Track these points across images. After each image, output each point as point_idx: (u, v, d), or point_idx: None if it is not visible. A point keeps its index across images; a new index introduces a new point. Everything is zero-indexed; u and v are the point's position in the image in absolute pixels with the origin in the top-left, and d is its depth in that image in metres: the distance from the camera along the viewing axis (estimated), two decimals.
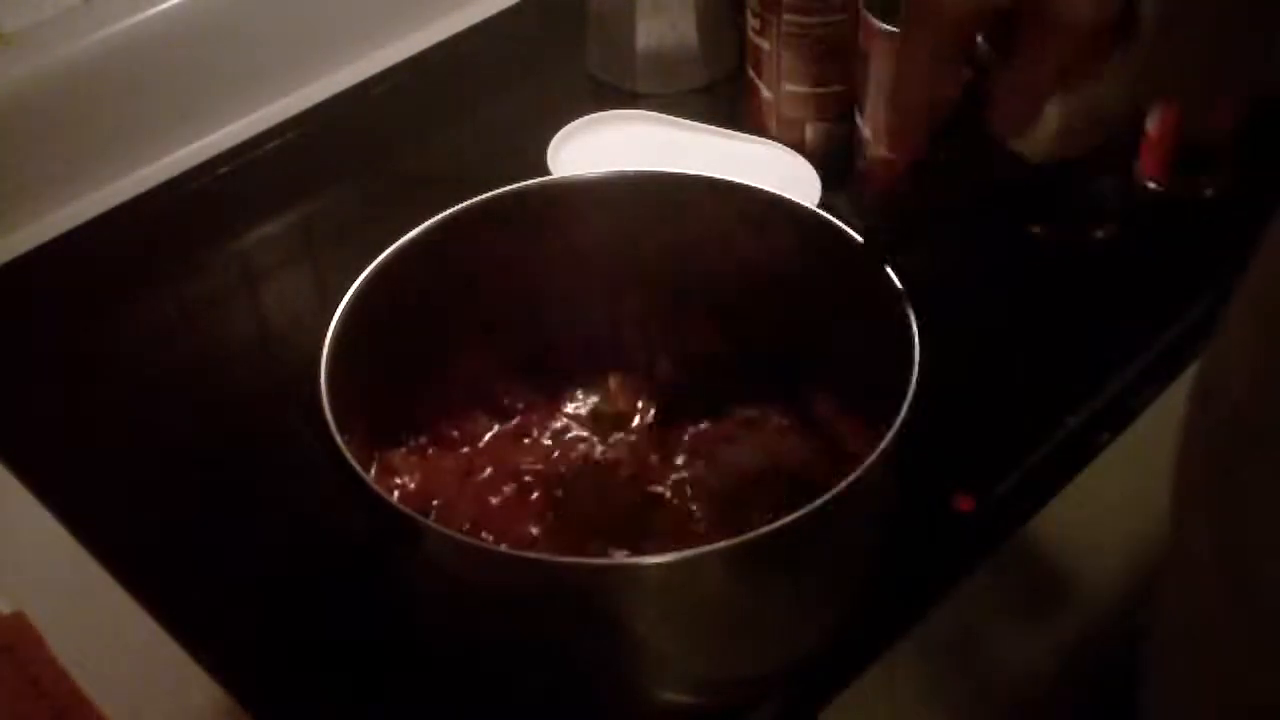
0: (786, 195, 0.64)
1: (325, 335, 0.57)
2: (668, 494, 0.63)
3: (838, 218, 0.61)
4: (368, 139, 0.94)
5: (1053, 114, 0.50)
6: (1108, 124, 0.51)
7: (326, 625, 0.63)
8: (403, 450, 0.64)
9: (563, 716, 0.59)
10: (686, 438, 0.66)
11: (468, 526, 0.61)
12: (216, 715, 0.60)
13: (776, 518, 0.50)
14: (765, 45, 0.85)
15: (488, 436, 0.66)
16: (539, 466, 0.64)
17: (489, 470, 0.64)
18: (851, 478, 0.52)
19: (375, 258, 0.61)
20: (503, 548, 0.59)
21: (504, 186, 0.65)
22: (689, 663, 0.56)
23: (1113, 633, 0.62)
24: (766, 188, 0.64)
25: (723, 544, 0.50)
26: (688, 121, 0.88)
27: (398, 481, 0.62)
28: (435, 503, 0.62)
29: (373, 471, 0.62)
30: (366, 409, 0.60)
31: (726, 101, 0.93)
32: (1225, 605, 0.42)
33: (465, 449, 0.65)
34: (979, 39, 0.51)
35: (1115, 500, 0.67)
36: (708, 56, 0.95)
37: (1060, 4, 0.47)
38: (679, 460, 0.65)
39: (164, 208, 0.89)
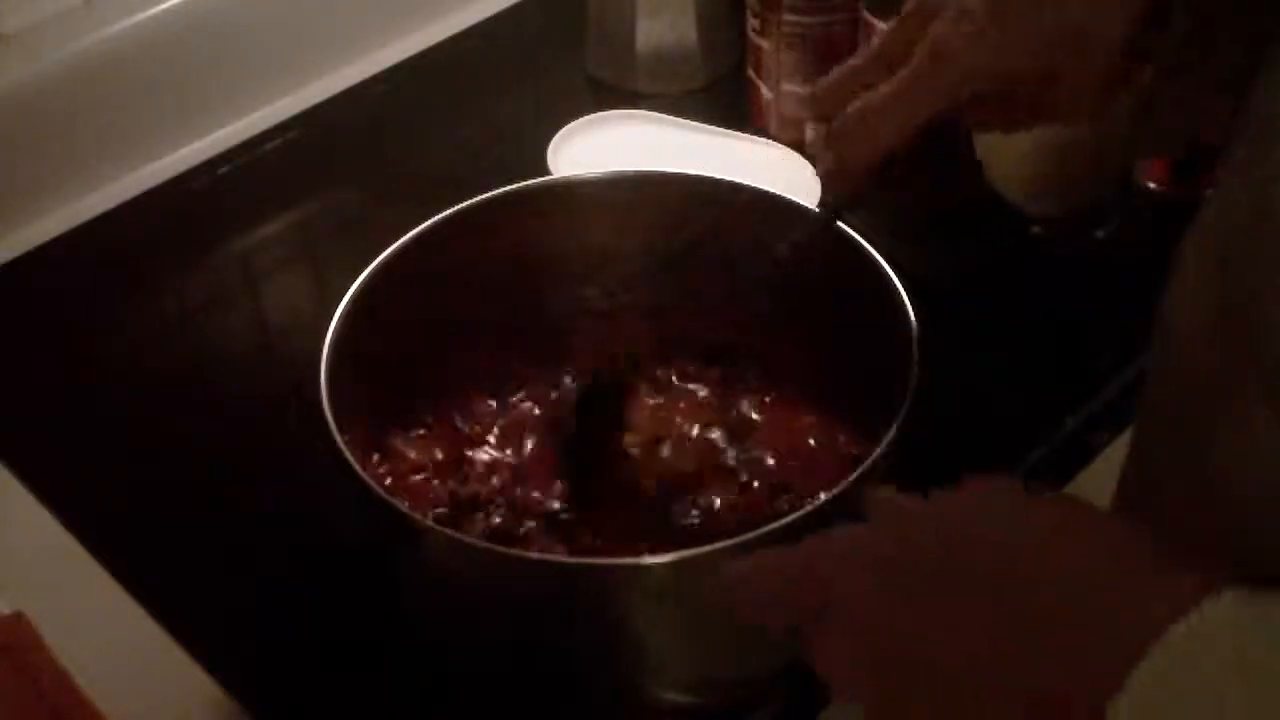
0: (787, 195, 0.64)
1: (325, 335, 0.57)
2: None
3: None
4: (368, 139, 0.94)
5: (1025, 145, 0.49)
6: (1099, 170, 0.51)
7: (326, 625, 0.63)
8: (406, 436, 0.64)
9: (563, 716, 0.59)
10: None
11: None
12: (216, 715, 0.60)
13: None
14: (765, 45, 0.85)
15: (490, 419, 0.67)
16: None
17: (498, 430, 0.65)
18: (851, 477, 0.52)
19: (375, 257, 0.61)
20: (503, 548, 0.59)
21: (504, 186, 0.65)
22: (689, 663, 0.56)
23: None
24: (766, 188, 0.64)
25: (723, 544, 0.50)
26: (688, 121, 0.88)
27: (411, 456, 0.63)
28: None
29: (375, 459, 0.62)
30: (367, 409, 0.60)
31: (726, 101, 0.93)
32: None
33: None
34: None
35: None
36: (708, 56, 0.95)
37: None
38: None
39: (164, 208, 0.89)
